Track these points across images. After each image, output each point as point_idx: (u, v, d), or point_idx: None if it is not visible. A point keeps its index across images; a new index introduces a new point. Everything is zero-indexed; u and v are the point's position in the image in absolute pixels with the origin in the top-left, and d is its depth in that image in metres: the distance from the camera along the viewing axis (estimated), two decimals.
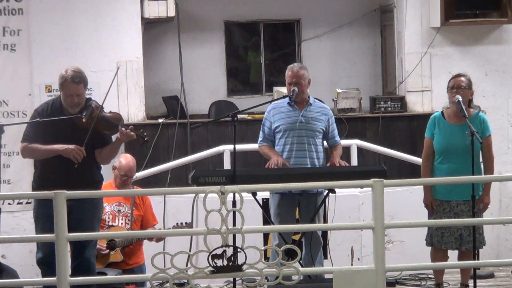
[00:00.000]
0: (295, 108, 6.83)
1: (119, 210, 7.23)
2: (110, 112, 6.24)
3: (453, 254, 6.74)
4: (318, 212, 6.75)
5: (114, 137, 6.20)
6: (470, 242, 6.44)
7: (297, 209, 6.87)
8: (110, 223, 7.15)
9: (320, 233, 6.90)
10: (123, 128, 6.02)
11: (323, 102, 7.33)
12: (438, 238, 6.54)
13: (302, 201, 6.79)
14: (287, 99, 6.86)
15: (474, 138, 6.29)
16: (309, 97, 6.91)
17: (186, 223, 7.34)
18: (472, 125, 6.42)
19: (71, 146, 5.92)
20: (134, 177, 7.65)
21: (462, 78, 6.59)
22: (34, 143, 6.04)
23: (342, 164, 6.76)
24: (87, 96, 6.24)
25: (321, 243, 6.89)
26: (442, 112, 6.67)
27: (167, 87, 10.58)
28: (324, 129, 6.88)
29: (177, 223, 7.33)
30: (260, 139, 6.95)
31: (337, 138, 7.00)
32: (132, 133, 6.03)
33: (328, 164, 6.82)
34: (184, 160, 8.97)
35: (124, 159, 7.34)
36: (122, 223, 7.19)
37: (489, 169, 6.60)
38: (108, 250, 7.04)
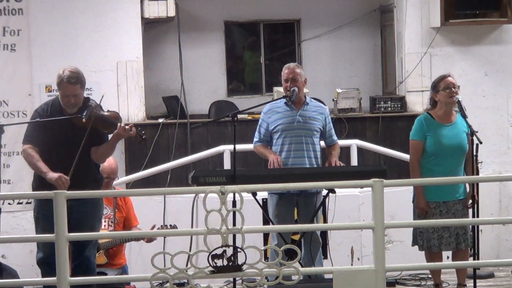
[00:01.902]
0: (292, 108, 6.82)
1: None
2: (108, 111, 6.23)
3: (448, 254, 6.75)
4: (317, 212, 6.75)
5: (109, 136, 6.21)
6: (466, 240, 6.44)
7: (296, 209, 6.87)
8: None
9: (319, 233, 6.90)
10: (122, 124, 6.02)
11: (321, 101, 7.33)
12: (435, 242, 6.50)
13: (300, 201, 6.78)
14: (283, 100, 6.86)
15: (473, 138, 6.31)
16: (305, 96, 6.91)
17: (170, 225, 7.35)
18: (460, 125, 6.45)
19: (56, 175, 5.88)
20: (117, 178, 7.66)
21: (451, 78, 6.58)
22: (35, 144, 6.05)
23: (338, 165, 6.75)
24: (87, 96, 6.25)
25: (320, 243, 6.89)
26: (429, 113, 6.63)
27: (167, 87, 10.58)
28: (321, 128, 6.87)
29: (161, 225, 7.34)
30: (255, 139, 6.93)
31: (334, 137, 6.99)
32: (132, 129, 6.04)
33: (326, 165, 6.82)
34: (184, 160, 8.97)
35: (107, 161, 7.32)
36: (105, 225, 7.18)
37: (472, 166, 6.59)
38: None
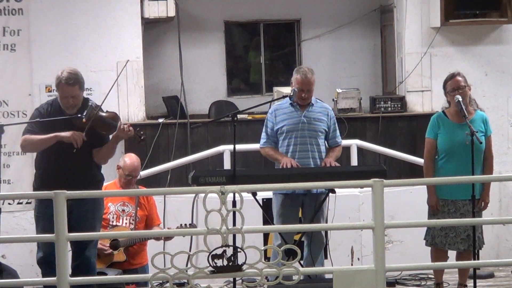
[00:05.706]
0: (297, 109, 6.84)
1: (123, 210, 7.23)
2: (107, 111, 6.24)
3: (452, 254, 6.75)
4: (323, 212, 6.75)
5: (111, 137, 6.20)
6: (477, 241, 6.44)
7: (301, 209, 6.88)
8: (114, 223, 7.14)
9: (324, 234, 6.90)
10: (122, 125, 6.03)
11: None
12: (441, 239, 6.51)
13: (305, 201, 6.79)
14: (288, 100, 6.87)
15: (474, 138, 6.30)
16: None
17: (190, 224, 7.35)
18: (475, 124, 6.44)
19: (69, 132, 5.92)
20: (139, 176, 7.65)
21: (459, 78, 6.59)
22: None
23: (332, 165, 6.75)
24: (87, 96, 6.26)
25: (324, 243, 6.91)
26: (443, 112, 6.66)
27: (167, 87, 10.57)
28: (326, 129, 6.89)
29: (180, 224, 7.34)
30: (263, 140, 6.94)
31: (338, 139, 7.00)
32: (130, 129, 6.05)
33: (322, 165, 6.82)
34: (184, 160, 8.97)
35: (129, 158, 7.34)
36: (126, 223, 7.18)
37: (490, 168, 6.61)
38: (111, 250, 7.03)
